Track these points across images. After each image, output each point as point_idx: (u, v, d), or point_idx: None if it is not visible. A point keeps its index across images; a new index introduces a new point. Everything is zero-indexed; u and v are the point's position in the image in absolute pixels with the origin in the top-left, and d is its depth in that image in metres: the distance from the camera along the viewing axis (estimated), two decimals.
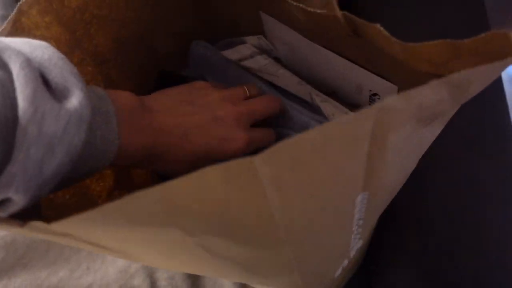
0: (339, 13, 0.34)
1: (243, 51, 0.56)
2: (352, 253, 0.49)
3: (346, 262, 0.50)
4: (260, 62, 0.55)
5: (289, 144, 0.20)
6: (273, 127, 0.50)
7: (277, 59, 0.57)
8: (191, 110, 0.44)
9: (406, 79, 0.39)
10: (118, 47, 0.51)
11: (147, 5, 0.51)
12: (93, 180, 0.49)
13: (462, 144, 0.58)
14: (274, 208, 0.25)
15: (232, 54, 0.56)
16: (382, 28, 0.31)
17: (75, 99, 0.29)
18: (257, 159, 0.20)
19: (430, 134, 0.34)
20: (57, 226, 0.22)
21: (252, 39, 0.56)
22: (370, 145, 0.25)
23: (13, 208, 0.28)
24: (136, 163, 0.39)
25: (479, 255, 0.54)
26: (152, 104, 0.41)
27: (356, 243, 0.46)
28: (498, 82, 0.63)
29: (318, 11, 0.36)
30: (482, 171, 0.57)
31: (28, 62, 0.28)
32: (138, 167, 0.42)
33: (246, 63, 0.55)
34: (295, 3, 0.39)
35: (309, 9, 0.37)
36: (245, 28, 0.56)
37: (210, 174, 0.20)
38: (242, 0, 0.52)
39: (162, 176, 0.56)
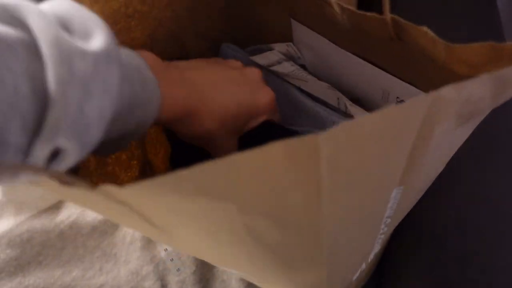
0: (389, 15, 0.35)
1: (271, 57, 0.57)
2: (370, 257, 0.50)
3: (364, 266, 0.50)
4: (288, 68, 0.56)
5: (351, 125, 0.21)
6: (303, 127, 0.51)
7: (303, 67, 0.58)
8: (218, 68, 0.44)
9: (438, 84, 0.39)
10: (152, 43, 0.52)
11: (185, 6, 0.53)
12: (121, 170, 0.50)
13: (478, 159, 0.59)
14: (325, 191, 0.25)
15: (260, 59, 0.57)
16: (428, 30, 0.32)
17: (99, 39, 0.29)
18: (321, 136, 0.20)
19: (461, 137, 0.35)
20: (127, 191, 0.23)
21: (280, 46, 0.58)
22: (418, 135, 0.26)
23: (68, 160, 0.28)
24: (177, 120, 0.39)
25: (492, 269, 0.55)
26: (177, 64, 0.42)
27: (376, 247, 0.47)
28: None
29: (368, 13, 0.37)
30: (498, 186, 0.58)
31: (45, 12, 0.28)
32: (175, 129, 0.42)
33: (274, 68, 0.56)
34: (344, 5, 0.40)
35: (358, 11, 0.38)
36: (272, 35, 0.57)
37: (274, 149, 0.21)
38: (275, 6, 0.53)
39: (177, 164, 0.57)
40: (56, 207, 0.71)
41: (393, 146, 0.26)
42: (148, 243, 0.69)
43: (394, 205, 0.35)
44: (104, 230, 0.70)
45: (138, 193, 0.23)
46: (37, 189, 0.71)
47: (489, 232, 0.56)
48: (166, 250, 0.68)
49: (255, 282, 0.53)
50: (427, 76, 0.40)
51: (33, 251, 0.67)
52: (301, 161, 0.22)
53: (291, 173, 0.23)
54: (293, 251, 0.34)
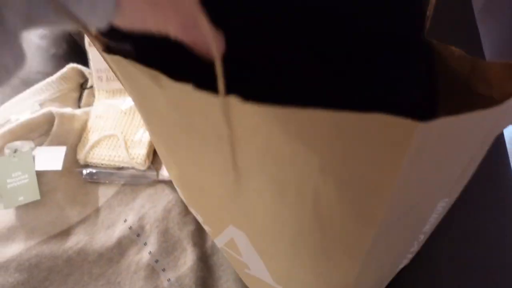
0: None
1: None
2: (385, 284, 0.52)
3: None
4: None
5: (447, 121, 0.22)
6: None
7: None
8: None
9: (455, 108, 0.41)
10: None
11: None
12: None
13: (471, 199, 0.62)
14: (400, 178, 0.27)
15: None
16: (457, 48, 0.35)
17: None
18: (422, 124, 0.22)
19: None
20: (250, 108, 0.24)
21: None
22: (481, 145, 0.29)
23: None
24: None
25: None
26: None
27: (394, 272, 0.49)
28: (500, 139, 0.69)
29: None
30: (490, 226, 0.62)
31: None
32: None
33: None
34: None
35: None
36: None
37: (376, 118, 0.22)
38: None
39: None
40: (66, 233, 0.72)
41: (458, 152, 0.28)
42: (151, 273, 0.70)
43: (434, 219, 0.38)
44: (110, 258, 0.71)
45: (255, 113, 0.25)
46: (50, 214, 0.72)
47: (481, 268, 0.60)
48: (169, 280, 0.69)
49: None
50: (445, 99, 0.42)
51: (40, 276, 0.67)
52: (392, 139, 0.24)
53: (380, 149, 0.25)
54: (341, 235, 0.35)
